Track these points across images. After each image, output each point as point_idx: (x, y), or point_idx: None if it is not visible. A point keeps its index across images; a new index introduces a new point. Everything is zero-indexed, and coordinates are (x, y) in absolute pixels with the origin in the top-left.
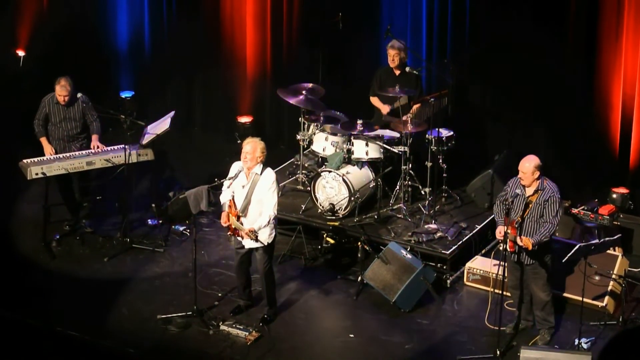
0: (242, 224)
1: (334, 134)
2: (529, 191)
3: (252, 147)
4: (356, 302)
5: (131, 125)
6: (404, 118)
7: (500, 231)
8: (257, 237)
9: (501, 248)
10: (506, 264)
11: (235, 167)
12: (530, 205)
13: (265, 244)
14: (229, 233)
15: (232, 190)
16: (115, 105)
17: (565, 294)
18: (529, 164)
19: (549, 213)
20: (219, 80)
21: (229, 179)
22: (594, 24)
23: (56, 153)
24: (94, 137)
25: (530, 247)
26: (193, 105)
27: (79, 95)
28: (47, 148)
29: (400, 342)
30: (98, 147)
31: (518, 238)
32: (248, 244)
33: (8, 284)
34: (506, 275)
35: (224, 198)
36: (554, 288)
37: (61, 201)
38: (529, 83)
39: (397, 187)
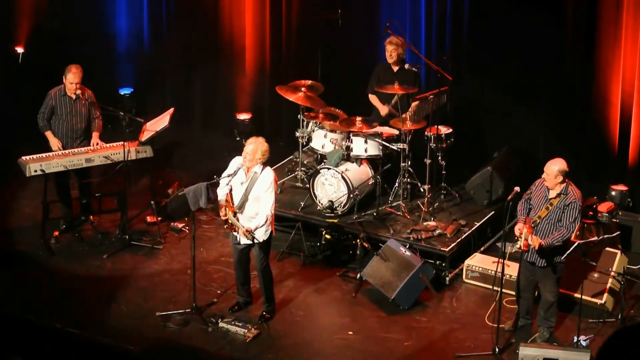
0: (238, 220)
1: (333, 131)
2: (552, 194)
3: (254, 148)
4: (355, 299)
5: (130, 122)
6: (403, 116)
7: (519, 228)
8: (253, 237)
9: (517, 246)
10: (518, 263)
11: (234, 162)
12: (550, 208)
13: (261, 240)
14: (225, 226)
15: (229, 187)
16: (114, 102)
17: (564, 291)
18: (554, 167)
19: (567, 218)
20: (218, 77)
21: (228, 176)
22: (593, 21)
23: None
24: (95, 134)
25: (536, 247)
26: (192, 102)
27: (78, 92)
28: (54, 142)
29: (399, 339)
30: (97, 145)
31: (530, 237)
32: (244, 240)
33: (7, 281)
34: (510, 272)
35: (221, 193)
36: None
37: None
38: (528, 80)
39: (396, 184)
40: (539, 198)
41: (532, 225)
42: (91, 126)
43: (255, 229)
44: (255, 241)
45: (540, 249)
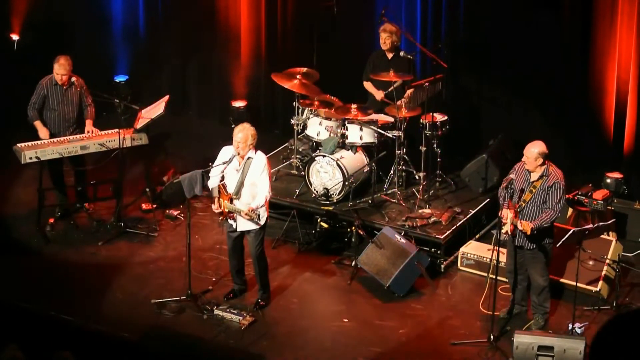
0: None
1: (328, 119)
2: (534, 176)
3: (244, 135)
4: (350, 286)
5: (125, 109)
6: (399, 103)
7: (503, 214)
8: (259, 215)
9: (503, 231)
10: (506, 248)
11: (225, 151)
12: (534, 191)
13: (262, 223)
14: (220, 218)
15: (220, 176)
16: (109, 89)
17: (559, 279)
18: (533, 149)
19: (552, 199)
20: (214, 64)
21: (223, 163)
22: (589, 9)
23: (52, 137)
24: (88, 122)
25: (528, 232)
26: (187, 89)
27: (73, 79)
28: (43, 130)
29: (394, 326)
30: (92, 132)
31: (518, 222)
32: (240, 226)
33: (2, 268)
34: (505, 259)
35: (213, 184)
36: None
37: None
38: (524, 68)
39: (391, 171)
40: (521, 182)
41: (518, 209)
42: (83, 113)
43: (257, 209)
44: (254, 224)
45: (530, 232)
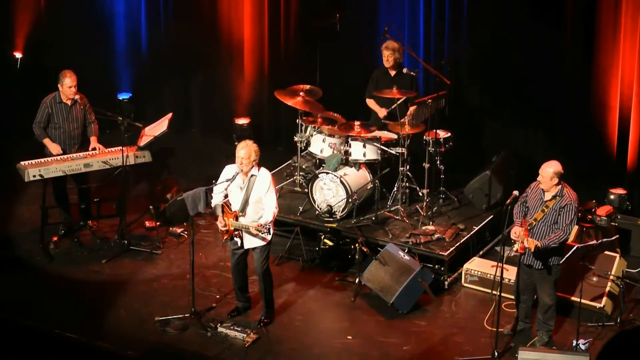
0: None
1: (332, 136)
2: (548, 196)
3: (247, 152)
4: (354, 303)
5: (129, 127)
6: (402, 120)
7: (515, 231)
8: (269, 229)
9: (514, 249)
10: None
11: (228, 170)
12: (546, 210)
13: (268, 239)
14: (225, 237)
15: (223, 193)
16: (112, 107)
17: (563, 296)
18: (549, 169)
19: (563, 220)
20: (217, 81)
21: (226, 181)
22: (591, 25)
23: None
24: (93, 139)
25: (532, 249)
26: (191, 106)
27: (77, 96)
28: (54, 147)
29: (398, 343)
30: (98, 149)
31: (526, 239)
32: (247, 243)
33: (6, 286)
34: (508, 275)
35: (216, 202)
36: None
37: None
38: (527, 84)
39: (395, 188)
40: (534, 201)
41: (529, 228)
42: (87, 131)
43: (265, 224)
44: (260, 241)
45: (537, 251)
